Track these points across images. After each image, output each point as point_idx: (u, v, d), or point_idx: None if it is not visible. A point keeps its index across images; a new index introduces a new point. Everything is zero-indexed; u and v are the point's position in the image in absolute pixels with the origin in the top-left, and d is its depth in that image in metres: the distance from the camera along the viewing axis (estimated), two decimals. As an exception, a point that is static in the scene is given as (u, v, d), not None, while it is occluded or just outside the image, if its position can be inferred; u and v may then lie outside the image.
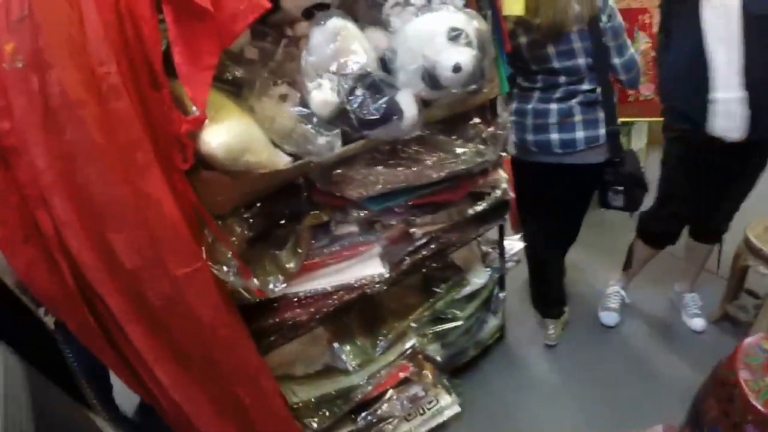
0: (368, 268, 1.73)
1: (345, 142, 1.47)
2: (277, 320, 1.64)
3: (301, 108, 1.39)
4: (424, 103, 1.56)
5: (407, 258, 1.88)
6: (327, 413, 1.90)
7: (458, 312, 2.27)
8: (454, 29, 1.47)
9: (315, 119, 1.39)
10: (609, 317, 2.73)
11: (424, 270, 2.03)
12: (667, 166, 2.28)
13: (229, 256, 1.41)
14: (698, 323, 2.60)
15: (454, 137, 1.81)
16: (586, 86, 2.07)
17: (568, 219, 2.56)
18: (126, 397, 2.09)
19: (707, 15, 1.81)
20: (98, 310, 1.29)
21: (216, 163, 1.24)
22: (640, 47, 3.25)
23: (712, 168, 2.13)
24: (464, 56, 1.46)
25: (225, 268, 1.40)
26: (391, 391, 2.06)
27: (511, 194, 2.04)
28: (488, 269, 2.36)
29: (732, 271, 2.52)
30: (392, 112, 1.44)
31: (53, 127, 1.11)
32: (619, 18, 2.03)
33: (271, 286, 1.54)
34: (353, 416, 2.02)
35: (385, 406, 2.05)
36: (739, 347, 1.76)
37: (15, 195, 1.15)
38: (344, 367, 1.93)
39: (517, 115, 2.22)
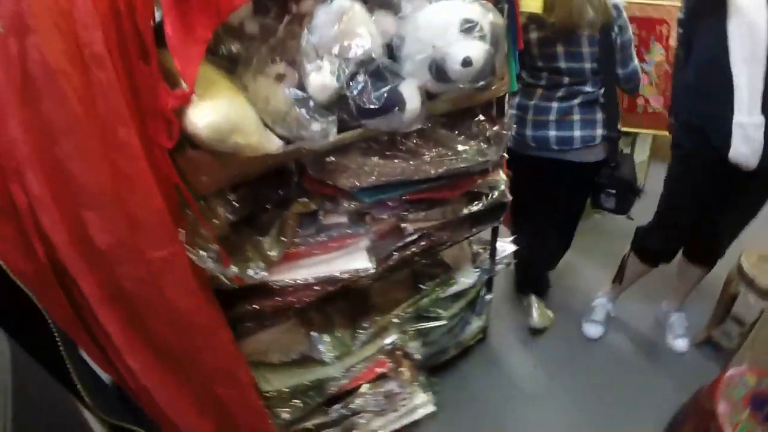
0: (354, 262, 1.67)
1: (341, 130, 1.39)
2: (255, 307, 1.59)
3: (297, 90, 1.31)
4: (428, 96, 1.49)
5: (395, 253, 1.83)
6: (300, 404, 1.86)
7: (442, 311, 2.22)
8: (467, 21, 1.40)
9: (311, 103, 1.32)
10: (593, 329, 2.71)
11: (412, 266, 2.00)
12: (671, 183, 2.23)
13: (210, 240, 1.35)
14: (681, 344, 2.59)
15: (456, 133, 1.74)
16: (588, 88, 2.13)
17: (562, 219, 2.58)
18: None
19: (733, 32, 1.74)
20: (72, 290, 1.24)
21: (202, 143, 1.17)
22: (655, 58, 3.19)
23: (718, 191, 2.09)
24: (476, 50, 1.39)
25: (203, 253, 1.34)
26: (366, 386, 2.02)
27: (509, 196, 1.98)
28: (477, 270, 2.30)
29: (721, 297, 2.50)
30: (394, 102, 1.37)
31: (31, 96, 1.04)
32: (629, 33, 2.11)
33: (250, 272, 1.48)
34: (325, 408, 1.98)
35: (359, 400, 2.01)
36: (722, 377, 1.76)
37: (-10, 167, 1.09)
38: (321, 358, 1.88)
39: (519, 109, 2.26)
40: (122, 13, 1.07)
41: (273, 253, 1.52)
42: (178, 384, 1.45)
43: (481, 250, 2.39)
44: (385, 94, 1.35)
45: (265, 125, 1.33)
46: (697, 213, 2.19)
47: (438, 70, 1.41)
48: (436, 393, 2.27)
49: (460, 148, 1.68)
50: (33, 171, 1.08)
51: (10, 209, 1.11)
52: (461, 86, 1.45)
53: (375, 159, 1.57)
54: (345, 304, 1.99)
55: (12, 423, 0.63)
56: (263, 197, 1.56)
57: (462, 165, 1.68)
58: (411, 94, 1.40)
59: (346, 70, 1.34)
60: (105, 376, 1.38)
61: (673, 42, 3.09)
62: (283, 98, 1.29)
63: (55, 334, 1.01)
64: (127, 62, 1.10)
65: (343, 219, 1.68)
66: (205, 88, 1.16)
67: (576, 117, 2.15)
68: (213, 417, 1.56)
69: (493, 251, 2.31)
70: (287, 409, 1.83)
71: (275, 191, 1.57)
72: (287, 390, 1.85)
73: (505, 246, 2.38)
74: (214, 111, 1.13)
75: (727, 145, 1.86)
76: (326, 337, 1.92)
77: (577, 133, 2.16)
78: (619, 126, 2.25)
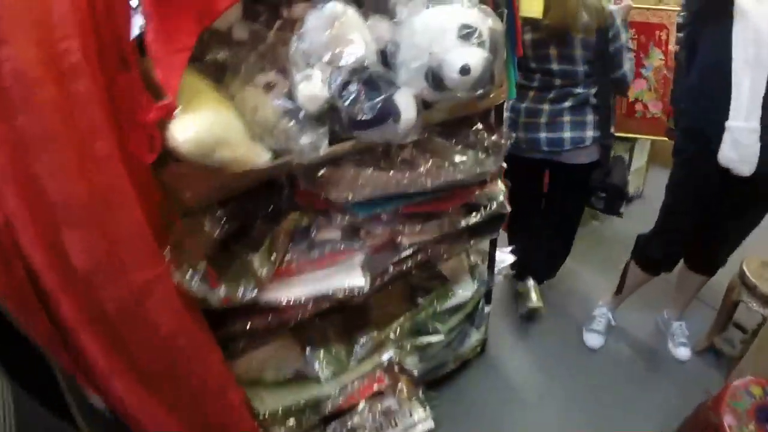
0: (347, 279, 1.60)
1: (333, 142, 1.34)
2: (246, 326, 1.52)
3: (285, 101, 1.25)
4: (424, 105, 1.43)
5: (391, 268, 1.77)
6: (295, 423, 1.80)
7: (440, 325, 2.16)
8: (466, 26, 1.34)
9: (301, 114, 1.25)
10: (593, 339, 2.68)
11: (408, 279, 1.96)
12: (672, 189, 2.20)
13: (196, 258, 1.29)
14: (683, 353, 2.57)
15: (453, 142, 1.69)
16: (579, 90, 2.16)
17: (557, 220, 2.62)
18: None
19: (738, 38, 1.73)
20: (54, 310, 1.17)
21: (184, 158, 1.10)
22: (654, 63, 3.19)
23: (720, 198, 2.06)
24: (474, 58, 1.33)
25: (189, 274, 1.27)
26: (363, 403, 1.97)
27: (508, 208, 1.93)
28: (475, 282, 2.26)
29: (723, 304, 2.49)
30: (388, 112, 1.31)
31: (4, 109, 0.97)
32: (622, 40, 2.13)
33: (240, 293, 1.41)
34: (322, 427, 1.93)
35: (356, 418, 1.95)
36: (726, 389, 1.74)
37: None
38: (316, 375, 1.84)
39: (511, 112, 2.30)
40: (101, 20, 1.01)
41: (263, 272, 1.45)
42: (166, 409, 1.37)
43: (479, 261, 2.33)
44: (379, 104, 1.28)
45: (254, 137, 1.26)
46: (698, 219, 2.17)
47: (435, 78, 1.34)
48: (435, 407, 2.20)
49: (457, 158, 1.63)
50: (7, 187, 1.02)
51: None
52: (459, 95, 1.39)
53: (369, 171, 1.51)
54: (340, 319, 1.93)
55: None
56: (252, 212, 1.50)
57: (459, 176, 1.63)
58: (406, 104, 1.34)
59: (338, 79, 1.27)
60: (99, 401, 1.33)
61: (672, 47, 3.09)
62: (271, 109, 1.22)
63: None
64: (106, 72, 1.04)
65: (336, 234, 1.62)
66: (188, 99, 1.09)
67: (566, 119, 2.18)
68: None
69: (491, 262, 2.27)
70: (282, 430, 1.78)
71: (265, 206, 1.51)
72: (282, 409, 1.79)
73: (504, 256, 2.33)
74: (197, 124, 1.07)
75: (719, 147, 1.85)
76: (321, 354, 1.86)
77: (567, 134, 2.19)
78: (612, 129, 2.27)
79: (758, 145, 1.78)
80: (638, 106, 3.32)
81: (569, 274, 3.08)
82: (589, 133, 2.19)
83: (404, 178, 1.54)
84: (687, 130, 2.06)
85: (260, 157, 1.25)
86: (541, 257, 2.79)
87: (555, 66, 2.12)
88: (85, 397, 1.29)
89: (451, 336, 2.25)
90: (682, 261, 2.44)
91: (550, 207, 2.58)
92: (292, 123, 1.22)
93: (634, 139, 3.55)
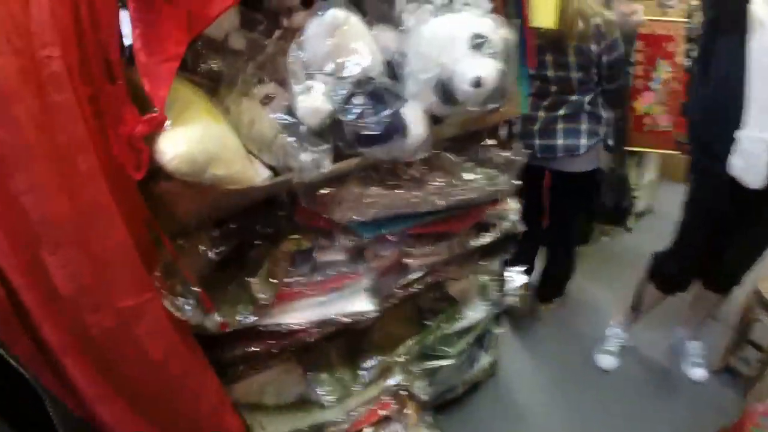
0: (353, 304, 1.54)
1: (336, 159, 1.27)
2: (246, 351, 1.49)
3: (284, 115, 1.18)
4: (433, 119, 1.36)
5: (398, 291, 1.70)
6: (297, 451, 1.73)
7: (449, 348, 2.08)
8: (478, 36, 1.27)
9: (301, 130, 1.18)
10: (606, 361, 2.58)
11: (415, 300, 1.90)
12: (688, 207, 2.14)
13: (189, 283, 1.22)
14: (699, 373, 2.48)
15: (463, 158, 1.61)
16: (573, 97, 2.16)
17: (555, 229, 2.59)
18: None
19: (753, 49, 1.69)
20: (37, 332, 1.12)
21: (174, 175, 1.03)
22: (662, 76, 3.10)
23: (736, 215, 2.01)
24: (487, 69, 1.26)
25: (181, 300, 1.20)
26: (368, 429, 1.89)
27: (521, 227, 1.84)
28: (486, 303, 2.17)
29: (739, 323, 2.43)
30: (396, 128, 1.25)
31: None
32: (617, 53, 2.10)
33: (238, 318, 1.35)
34: (326, 453, 1.86)
35: (361, 445, 1.87)
36: (747, 416, 1.71)
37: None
38: (319, 401, 1.77)
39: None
40: (85, 28, 0.96)
41: (262, 296, 1.39)
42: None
43: (489, 282, 2.23)
44: (386, 119, 1.22)
45: (252, 153, 1.20)
46: (714, 239, 2.10)
47: (445, 90, 1.27)
48: (443, 432, 2.14)
49: (467, 176, 1.56)
50: (-18, 205, 0.97)
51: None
52: (470, 108, 1.32)
53: (375, 189, 1.44)
54: (343, 340, 1.86)
55: None
56: (250, 233, 1.43)
57: (471, 195, 1.56)
58: (415, 119, 1.27)
59: (341, 92, 1.21)
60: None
61: (680, 59, 3.01)
62: (268, 123, 1.16)
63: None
64: (89, 82, 0.99)
65: (340, 256, 1.54)
66: (179, 112, 1.04)
67: (560, 126, 2.19)
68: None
69: (501, 284, 2.20)
70: (285, 457, 1.70)
71: (264, 226, 1.44)
72: (284, 436, 1.72)
73: (515, 276, 2.24)
74: (187, 139, 1.00)
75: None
76: (325, 378, 1.80)
77: (560, 142, 2.19)
78: (609, 141, 2.32)
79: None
80: (647, 120, 3.23)
81: (580, 291, 2.98)
82: (583, 141, 2.18)
83: (412, 197, 1.47)
84: (700, 143, 2.02)
85: (257, 174, 1.20)
86: (546, 271, 2.75)
87: (550, 73, 2.12)
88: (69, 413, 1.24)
89: (460, 359, 2.17)
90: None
91: (550, 217, 2.57)
92: (291, 139, 1.14)
93: (644, 153, 3.48)
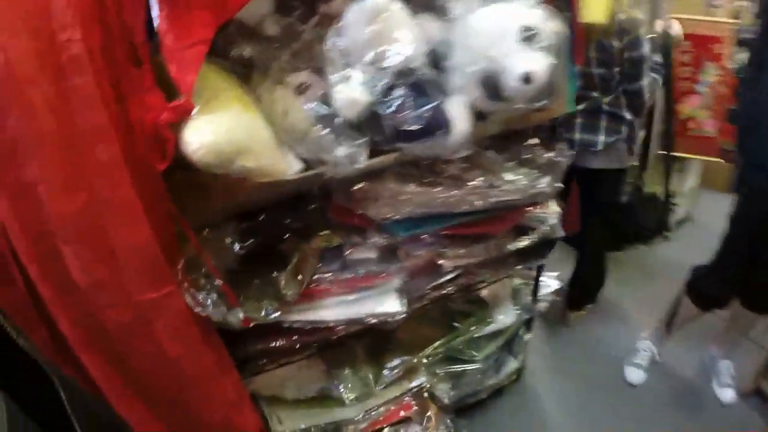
0: (381, 305, 1.51)
1: (373, 153, 1.22)
2: (269, 346, 1.47)
3: (319, 106, 1.13)
4: (477, 115, 1.28)
5: (429, 292, 1.66)
6: (313, 448, 1.75)
7: (476, 352, 2.06)
8: (528, 28, 1.19)
9: (337, 121, 1.13)
10: (635, 375, 2.53)
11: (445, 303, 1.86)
12: (734, 224, 2.04)
13: (212, 277, 1.19)
14: (728, 394, 2.41)
15: (505, 156, 1.55)
16: (595, 94, 2.14)
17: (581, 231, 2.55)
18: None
19: None
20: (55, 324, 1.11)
21: (200, 166, 0.99)
22: (709, 79, 3.01)
23: None
24: (538, 64, 1.18)
25: (203, 294, 1.17)
26: (387, 429, 1.87)
27: (561, 232, 1.77)
28: (518, 308, 2.12)
29: None
30: (438, 123, 1.18)
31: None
32: (640, 51, 2.07)
33: (263, 314, 1.31)
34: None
35: (378, 445, 1.97)
36: None
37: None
38: (339, 397, 1.76)
39: None
40: (108, 7, 0.91)
41: (288, 292, 1.35)
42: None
43: (522, 285, 2.20)
44: (428, 113, 1.16)
45: (283, 145, 1.15)
46: (760, 258, 2.00)
47: (491, 85, 1.20)
48: (464, 438, 2.12)
49: (508, 177, 1.49)
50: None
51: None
52: (517, 105, 1.25)
53: (412, 187, 1.39)
54: (369, 338, 1.83)
55: None
56: (279, 227, 1.39)
57: (512, 197, 1.49)
58: (458, 114, 1.21)
59: (381, 82, 1.15)
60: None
61: (728, 62, 2.91)
62: (302, 114, 1.10)
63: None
64: (112, 67, 0.94)
65: (372, 254, 1.49)
66: (207, 99, 0.99)
67: (578, 120, 2.19)
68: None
69: (536, 288, 2.13)
70: (299, 454, 1.72)
71: (294, 220, 1.40)
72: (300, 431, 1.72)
73: (550, 281, 2.18)
74: (213, 129, 0.95)
75: None
76: (347, 375, 1.79)
77: (577, 135, 2.21)
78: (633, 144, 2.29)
79: None
80: (692, 124, 3.15)
81: (612, 300, 2.93)
82: (601, 138, 2.19)
83: (450, 196, 1.41)
84: (748, 153, 1.93)
85: (289, 167, 1.15)
86: (575, 274, 2.71)
87: None
88: (87, 408, 1.21)
89: (487, 363, 2.14)
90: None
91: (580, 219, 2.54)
92: (326, 131, 1.09)
93: (686, 159, 3.38)
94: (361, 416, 1.78)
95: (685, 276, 2.28)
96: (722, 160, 3.03)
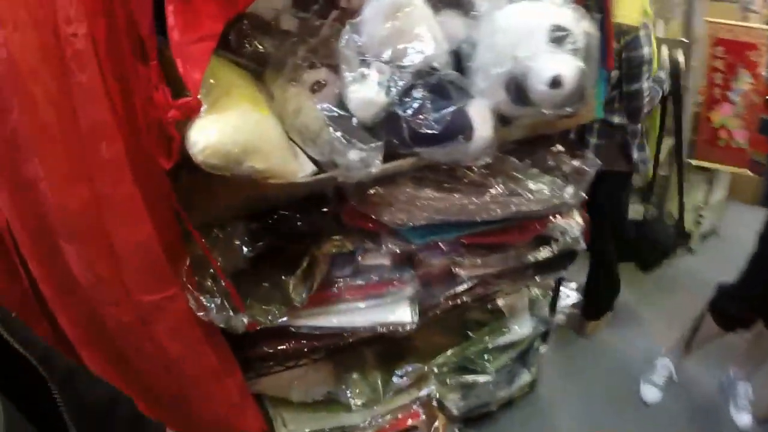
0: (393, 314, 1.47)
1: (388, 157, 1.16)
2: (277, 349, 1.45)
3: (332, 106, 1.08)
4: (501, 120, 1.23)
5: (443, 302, 1.61)
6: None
7: (489, 364, 2.01)
8: (559, 28, 1.14)
9: (352, 123, 1.09)
10: (650, 393, 2.48)
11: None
12: (763, 241, 1.99)
13: (217, 279, 1.17)
14: (745, 419, 2.34)
15: (528, 163, 1.49)
16: None
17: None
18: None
19: None
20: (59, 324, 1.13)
21: (205, 167, 0.96)
22: (742, 87, 2.91)
23: None
24: (567, 67, 1.13)
25: (207, 297, 1.14)
26: None
27: (584, 244, 1.71)
28: (534, 319, 2.07)
29: None
30: (459, 127, 1.13)
31: (-5, 103, 0.90)
32: (641, 51, 2.02)
33: (269, 318, 1.29)
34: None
35: (383, 454, 1.95)
36: None
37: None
38: (346, 402, 1.73)
39: None
40: (115, 1, 0.89)
41: (297, 297, 1.31)
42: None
43: (540, 296, 2.14)
44: (449, 117, 1.11)
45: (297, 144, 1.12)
46: None
47: (518, 88, 1.15)
48: (471, 448, 2.12)
49: (532, 185, 1.44)
50: (1, 192, 0.94)
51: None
52: (544, 111, 1.20)
53: (429, 192, 1.33)
54: (381, 345, 1.79)
55: None
56: (290, 230, 1.34)
57: (534, 207, 1.43)
58: (481, 118, 1.15)
59: (400, 82, 1.11)
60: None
61: (763, 70, 2.82)
62: (315, 113, 1.06)
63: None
64: (118, 61, 0.92)
65: (386, 261, 1.45)
66: (216, 97, 0.96)
67: None
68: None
69: (554, 300, 2.08)
70: (302, 457, 1.71)
71: (306, 224, 1.36)
72: (303, 436, 1.72)
73: (569, 293, 2.11)
74: (219, 129, 0.92)
75: None
76: (356, 380, 1.77)
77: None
78: (634, 152, 2.25)
79: None
80: (722, 133, 3.04)
81: (631, 313, 2.90)
82: (593, 141, 2.16)
83: (470, 203, 1.35)
84: None
85: (301, 169, 1.11)
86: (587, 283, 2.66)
87: None
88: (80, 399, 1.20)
89: (500, 375, 2.10)
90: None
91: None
92: (339, 133, 1.04)
93: (714, 171, 3.29)
94: (367, 423, 1.76)
95: (709, 293, 2.23)
96: (751, 173, 2.96)
